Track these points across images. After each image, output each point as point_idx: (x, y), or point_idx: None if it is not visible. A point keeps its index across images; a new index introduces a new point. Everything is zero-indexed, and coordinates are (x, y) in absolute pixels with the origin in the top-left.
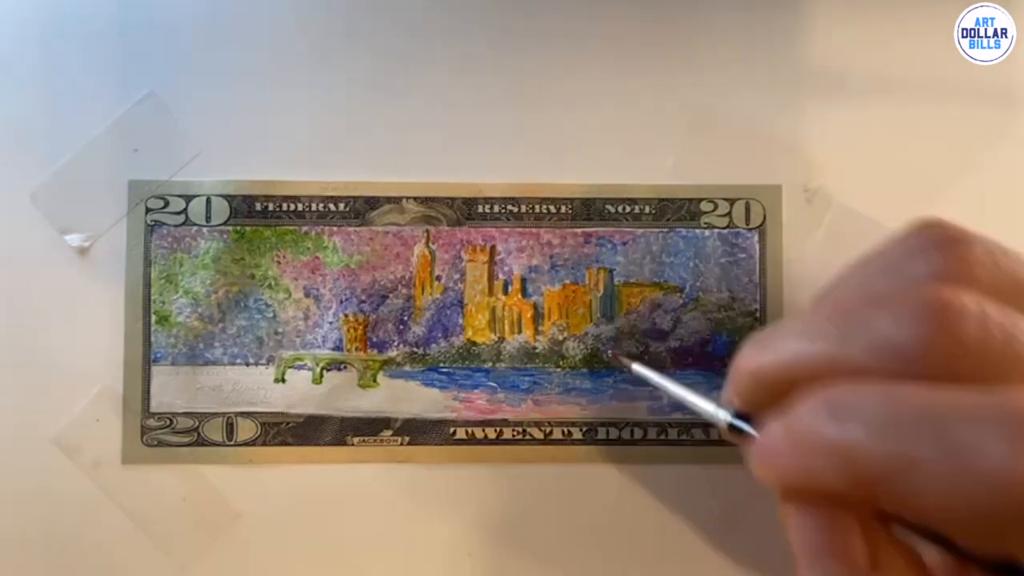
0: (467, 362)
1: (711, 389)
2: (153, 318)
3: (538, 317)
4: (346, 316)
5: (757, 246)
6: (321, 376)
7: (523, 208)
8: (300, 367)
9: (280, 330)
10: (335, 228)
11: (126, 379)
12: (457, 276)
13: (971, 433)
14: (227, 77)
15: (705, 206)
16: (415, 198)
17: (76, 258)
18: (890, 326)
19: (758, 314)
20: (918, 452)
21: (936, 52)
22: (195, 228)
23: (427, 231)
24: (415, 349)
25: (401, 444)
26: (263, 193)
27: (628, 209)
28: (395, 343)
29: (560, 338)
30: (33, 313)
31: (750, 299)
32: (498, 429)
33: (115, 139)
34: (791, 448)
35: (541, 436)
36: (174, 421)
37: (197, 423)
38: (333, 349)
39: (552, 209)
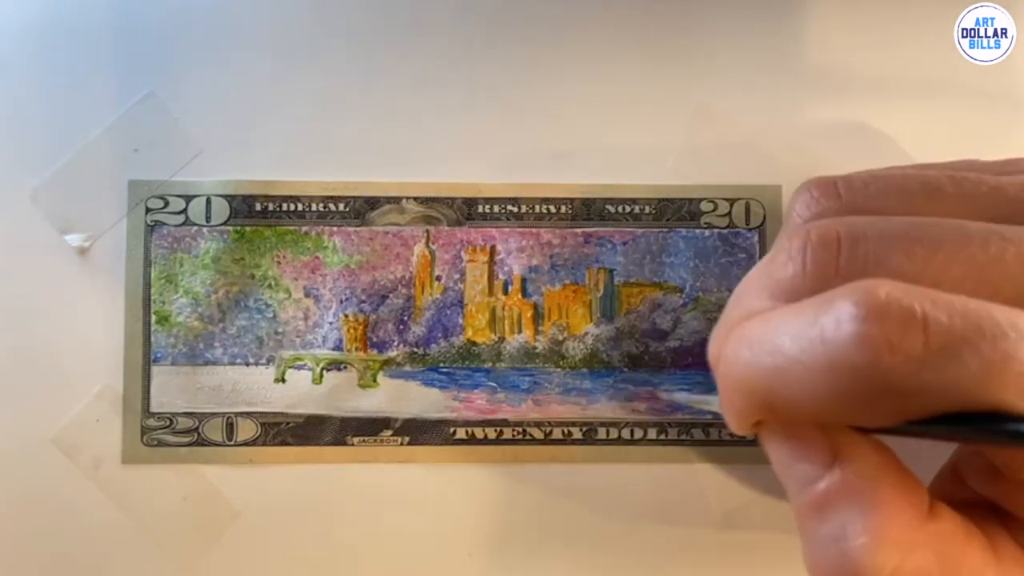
0: (467, 362)
1: (711, 389)
2: (153, 318)
3: (538, 317)
4: (346, 316)
5: (757, 246)
6: (321, 376)
7: (523, 208)
8: (300, 367)
9: (280, 330)
10: (335, 228)
11: (126, 379)
12: (457, 276)
13: (827, 323)
14: (227, 77)
15: (705, 206)
16: (415, 198)
17: (76, 258)
18: (779, 267)
19: None
20: (781, 360)
21: (936, 52)
22: (195, 228)
23: (427, 231)
24: (415, 349)
25: (401, 444)
26: (263, 193)
27: (628, 209)
28: (395, 343)
29: (560, 338)
30: (33, 313)
31: None
32: (498, 429)
33: (115, 139)
34: (723, 384)
35: (541, 436)
36: (174, 421)
37: (197, 423)
38: (333, 349)
39: (552, 209)
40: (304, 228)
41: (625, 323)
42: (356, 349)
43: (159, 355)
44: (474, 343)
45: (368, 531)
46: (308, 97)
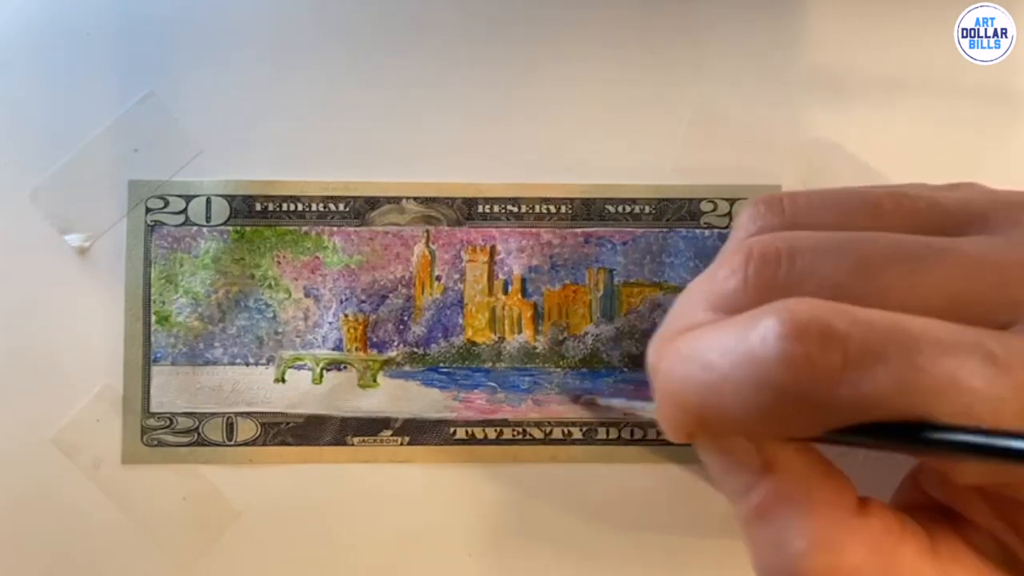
0: (467, 362)
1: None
2: (153, 318)
3: (538, 317)
4: (346, 316)
5: None
6: (321, 376)
7: (523, 208)
8: (300, 367)
9: (280, 330)
10: (335, 228)
11: (126, 379)
12: (457, 276)
13: (754, 340)
14: (227, 77)
15: (705, 206)
16: (415, 198)
17: (76, 258)
18: (721, 280)
19: None
20: (712, 376)
21: (936, 52)
22: (195, 228)
23: (427, 231)
24: (415, 349)
25: (401, 444)
26: (263, 193)
27: (628, 209)
28: (395, 343)
29: (560, 338)
30: (33, 313)
31: None
32: (498, 429)
33: (115, 139)
34: (659, 397)
35: (541, 436)
36: (174, 421)
37: (197, 423)
38: (333, 349)
39: (552, 209)
40: (304, 228)
41: (625, 323)
42: (356, 349)
43: (159, 355)
44: (474, 343)
45: (368, 531)
46: (308, 97)
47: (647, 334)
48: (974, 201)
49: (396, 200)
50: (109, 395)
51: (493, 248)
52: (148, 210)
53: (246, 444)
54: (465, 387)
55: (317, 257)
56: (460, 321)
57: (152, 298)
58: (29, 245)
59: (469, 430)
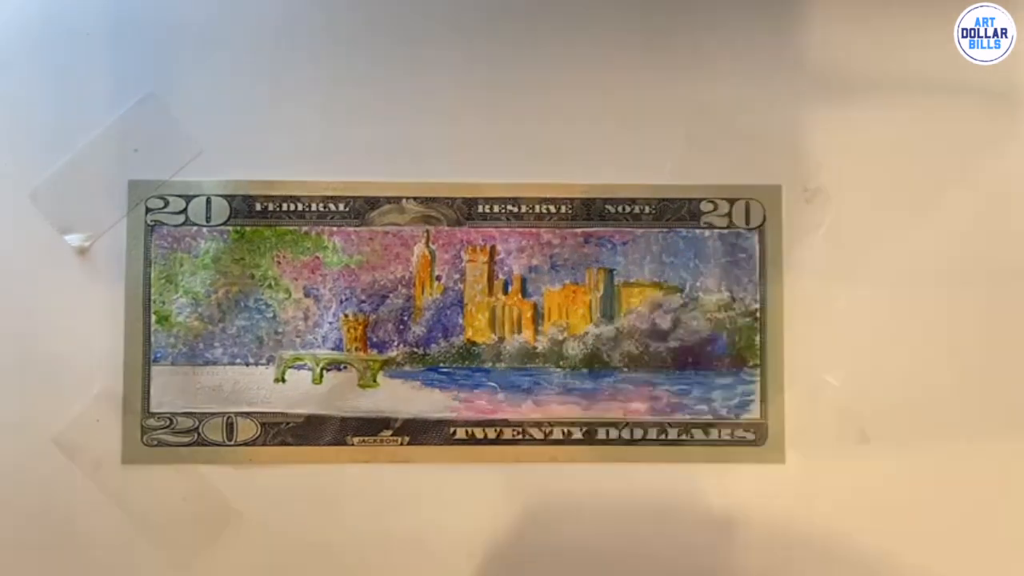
0: (467, 362)
1: (711, 389)
2: (153, 318)
3: (538, 317)
4: (346, 316)
5: (757, 246)
6: (321, 376)
7: (523, 208)
8: (300, 367)
9: (280, 330)
10: (335, 228)
11: (126, 379)
12: (457, 276)
13: None
14: (227, 77)
15: (705, 206)
16: (415, 198)
17: (76, 258)
18: None
19: (758, 314)
20: None
21: (936, 52)
22: (195, 228)
23: (427, 231)
24: (415, 349)
25: (401, 444)
26: (263, 193)
27: (628, 209)
28: (395, 343)
29: (560, 338)
30: (33, 313)
31: (750, 299)
32: (498, 429)
33: (115, 139)
34: None
35: (541, 436)
36: (174, 421)
37: (197, 423)
38: (333, 349)
39: (552, 209)
40: (304, 228)
41: (625, 323)
42: (356, 349)
43: (159, 355)
44: (474, 343)
45: (368, 531)
46: (308, 97)
47: (647, 334)
48: None
49: (396, 200)
50: (109, 395)
51: (493, 248)
52: (148, 210)
53: (246, 444)
54: (465, 387)
55: (317, 257)
56: (460, 321)
57: (152, 298)
58: (29, 245)
59: (469, 430)
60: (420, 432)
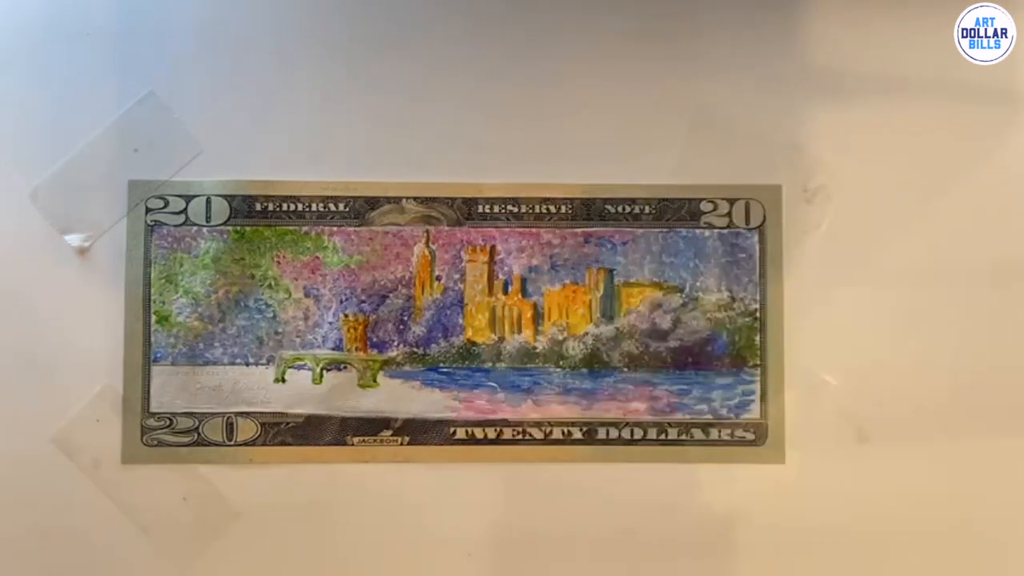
0: (467, 362)
1: (711, 389)
2: (153, 318)
3: (538, 317)
4: (346, 316)
5: (757, 246)
6: (321, 376)
7: (523, 208)
8: (300, 367)
9: (280, 330)
10: (335, 228)
11: (126, 379)
12: (457, 276)
13: None
14: (227, 77)
15: (705, 206)
16: (415, 198)
17: (76, 258)
18: None
19: (758, 314)
20: None
21: (936, 52)
22: (195, 228)
23: (427, 231)
24: (415, 349)
25: (401, 444)
26: (263, 193)
27: (628, 209)
28: (395, 343)
29: (560, 338)
30: (33, 313)
31: (750, 299)
32: (498, 429)
33: (115, 139)
34: None
35: (541, 436)
36: (174, 421)
37: (197, 423)
38: (333, 349)
39: (552, 209)
40: (304, 228)
41: (625, 323)
42: (356, 349)
43: (159, 355)
44: (474, 343)
45: (368, 530)
46: (308, 97)
47: (647, 334)
48: None
49: (396, 200)
50: (109, 395)
51: (493, 248)
52: (148, 210)
53: (246, 444)
54: (465, 387)
55: (317, 257)
56: (460, 321)
57: (152, 298)
58: (29, 245)
59: (469, 430)
60: (420, 432)
